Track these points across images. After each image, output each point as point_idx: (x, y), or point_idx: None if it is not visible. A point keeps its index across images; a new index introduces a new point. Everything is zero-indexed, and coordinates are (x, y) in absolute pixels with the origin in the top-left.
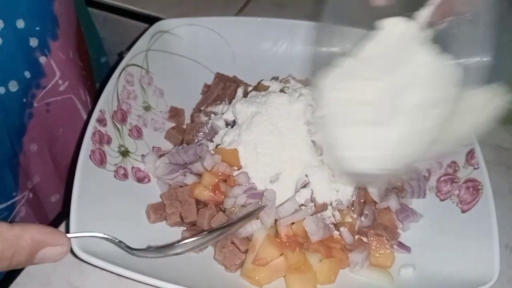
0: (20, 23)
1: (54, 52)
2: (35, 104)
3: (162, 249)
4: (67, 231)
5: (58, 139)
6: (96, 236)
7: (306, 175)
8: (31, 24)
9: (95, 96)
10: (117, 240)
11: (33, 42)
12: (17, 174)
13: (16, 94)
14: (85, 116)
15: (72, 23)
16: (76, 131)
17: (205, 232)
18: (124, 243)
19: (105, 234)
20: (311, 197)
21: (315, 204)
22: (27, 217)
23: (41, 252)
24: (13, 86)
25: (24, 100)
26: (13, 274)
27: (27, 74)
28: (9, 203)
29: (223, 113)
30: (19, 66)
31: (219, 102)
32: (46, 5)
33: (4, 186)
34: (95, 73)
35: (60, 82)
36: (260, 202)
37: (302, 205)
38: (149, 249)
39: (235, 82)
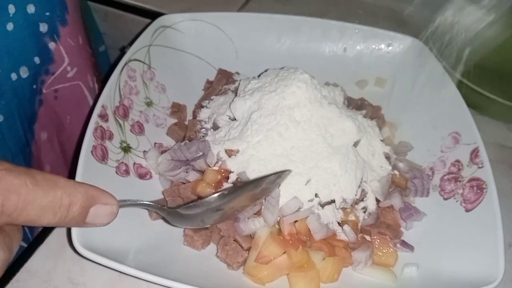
0: (31, 8)
1: (63, 38)
2: (44, 91)
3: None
4: (68, 227)
5: (65, 127)
6: (142, 203)
7: (309, 173)
8: (41, 9)
9: (100, 87)
10: (159, 206)
11: (43, 27)
12: (30, 164)
13: (27, 80)
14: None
15: (78, 10)
16: (83, 119)
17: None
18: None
19: (148, 201)
20: (314, 195)
21: (318, 203)
22: None
23: (93, 209)
24: (24, 72)
25: (34, 86)
26: (13, 270)
27: (37, 59)
28: None
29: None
30: (29, 51)
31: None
32: None
33: None
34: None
35: (68, 68)
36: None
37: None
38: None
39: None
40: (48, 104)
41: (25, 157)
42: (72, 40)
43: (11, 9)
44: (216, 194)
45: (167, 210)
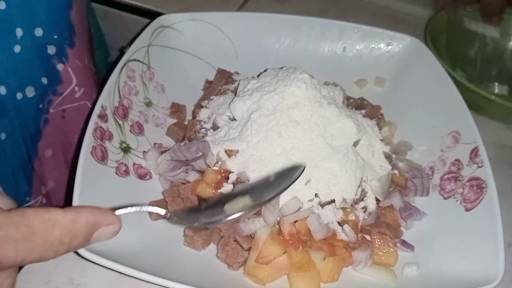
0: (39, 31)
1: (71, 59)
2: (51, 110)
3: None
4: None
5: (72, 145)
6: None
7: (309, 173)
8: (49, 33)
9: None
10: (164, 213)
11: (51, 49)
12: (31, 179)
13: (32, 100)
14: None
15: (85, 29)
16: None
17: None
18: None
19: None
20: (314, 195)
21: (318, 203)
22: None
23: (96, 234)
24: (30, 92)
25: (40, 106)
26: None
27: (44, 80)
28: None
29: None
30: (36, 72)
31: (220, 97)
32: (63, 14)
33: (18, 191)
34: (102, 73)
35: (76, 89)
36: None
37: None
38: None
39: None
40: (56, 123)
41: (25, 173)
42: (79, 61)
43: (19, 32)
44: (238, 214)
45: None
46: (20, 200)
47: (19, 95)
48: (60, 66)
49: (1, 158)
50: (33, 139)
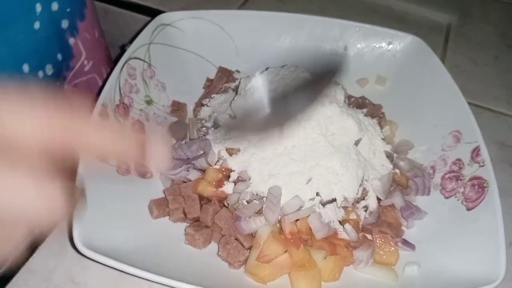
0: (55, 6)
1: (81, 32)
2: (65, 87)
3: None
4: (70, 224)
5: None
6: None
7: (311, 172)
8: (63, 6)
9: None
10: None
11: (64, 24)
12: None
13: (51, 78)
14: None
15: (93, 4)
16: None
17: None
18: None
19: None
20: (315, 194)
21: (320, 201)
22: None
23: None
24: (49, 70)
25: (58, 83)
26: (14, 269)
27: (60, 56)
28: None
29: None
30: (53, 48)
31: (221, 96)
32: None
33: None
34: None
35: (85, 62)
36: (264, 199)
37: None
38: None
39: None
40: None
41: None
42: (89, 34)
43: (38, 7)
44: None
45: None
46: None
47: (40, 73)
48: (71, 41)
49: None
50: None
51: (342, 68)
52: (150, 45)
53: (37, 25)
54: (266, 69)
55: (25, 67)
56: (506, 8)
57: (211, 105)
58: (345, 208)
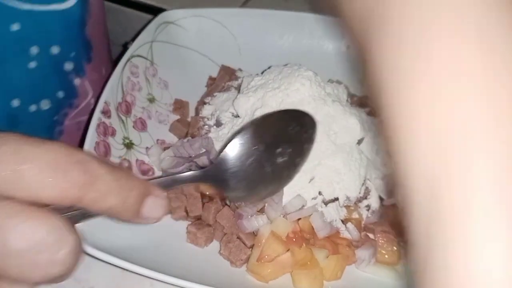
0: (55, 50)
1: (88, 73)
2: (66, 122)
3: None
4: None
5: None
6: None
7: (313, 171)
8: (66, 50)
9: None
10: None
11: (68, 65)
12: None
13: (47, 112)
14: None
15: (103, 38)
16: None
17: None
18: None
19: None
20: (318, 193)
21: (322, 200)
22: None
23: (148, 199)
24: (45, 105)
25: (55, 118)
26: None
27: (61, 94)
28: None
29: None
30: (52, 86)
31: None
32: (79, 32)
33: None
34: None
35: (92, 101)
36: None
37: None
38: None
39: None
40: (71, 134)
41: None
42: (96, 73)
43: (35, 50)
44: None
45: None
46: None
47: (32, 108)
48: (77, 81)
49: None
50: None
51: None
52: (153, 43)
53: (32, 65)
54: (269, 67)
55: (15, 102)
56: None
57: (213, 104)
58: (347, 207)
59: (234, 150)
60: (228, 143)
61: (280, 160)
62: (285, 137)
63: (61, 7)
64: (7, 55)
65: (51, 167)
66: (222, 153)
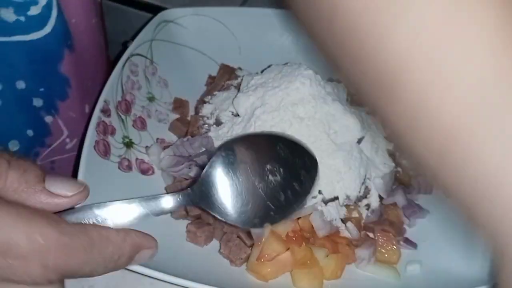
0: (21, 84)
1: (62, 111)
2: (38, 162)
3: None
4: None
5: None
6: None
7: None
8: (34, 85)
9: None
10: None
11: (37, 102)
12: None
13: (16, 153)
14: None
15: (99, 71)
16: None
17: None
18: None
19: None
20: (318, 192)
21: (322, 199)
22: None
23: (137, 255)
24: (14, 146)
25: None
26: None
27: (30, 132)
28: None
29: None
30: (20, 125)
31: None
32: (50, 68)
33: None
34: None
35: (67, 140)
36: None
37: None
38: None
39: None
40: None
41: None
42: (73, 112)
43: None
44: None
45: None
46: None
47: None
48: (48, 119)
49: None
50: None
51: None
52: (153, 42)
53: None
54: (269, 66)
55: None
56: None
57: (213, 103)
58: (347, 206)
59: (218, 166)
60: (211, 158)
61: (271, 178)
62: (275, 156)
63: (26, 38)
64: None
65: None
66: (204, 171)
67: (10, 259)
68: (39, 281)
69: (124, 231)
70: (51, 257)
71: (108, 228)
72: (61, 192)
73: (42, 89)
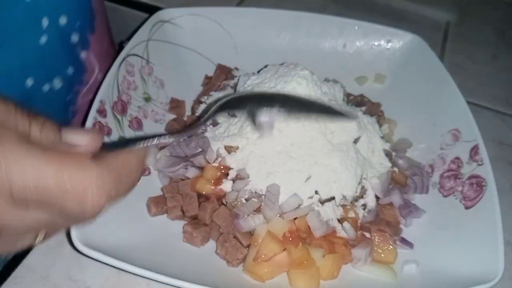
0: (63, 20)
1: (93, 45)
2: (78, 102)
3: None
4: None
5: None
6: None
7: (310, 170)
8: (72, 20)
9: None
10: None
11: (74, 37)
12: None
13: (60, 91)
14: None
15: (103, 10)
16: None
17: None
18: None
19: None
20: (314, 192)
21: (318, 200)
22: None
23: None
24: (58, 83)
25: (68, 97)
26: (11, 267)
27: (70, 70)
28: None
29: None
30: (62, 62)
31: (220, 93)
32: (83, 1)
33: None
34: None
35: (99, 76)
36: (262, 197)
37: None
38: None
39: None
40: (83, 114)
41: None
42: (100, 46)
43: (45, 22)
44: None
45: None
46: None
47: (46, 87)
48: (83, 54)
49: None
50: None
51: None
52: (149, 42)
53: (43, 39)
54: (265, 66)
55: (29, 81)
56: (504, 7)
57: (209, 103)
58: (343, 206)
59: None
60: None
61: None
62: None
63: None
64: (20, 27)
65: None
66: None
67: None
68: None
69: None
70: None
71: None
72: (77, 141)
73: (78, 23)
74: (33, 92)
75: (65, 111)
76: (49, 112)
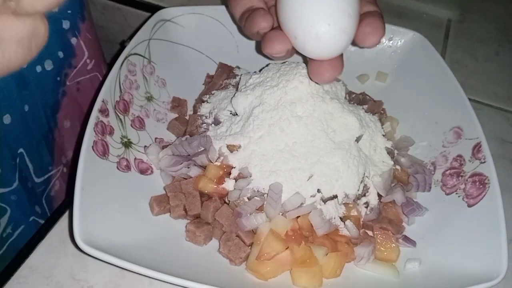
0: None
1: (82, 33)
2: (67, 83)
3: None
4: (70, 221)
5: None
6: None
7: (312, 169)
8: (64, 8)
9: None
10: None
11: (66, 24)
12: (52, 149)
13: (50, 73)
14: None
15: (89, 10)
16: None
17: None
18: None
19: None
20: (317, 190)
21: (321, 198)
22: (60, 190)
23: None
24: (49, 65)
25: (58, 78)
26: (14, 266)
27: (61, 54)
28: (46, 177)
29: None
30: (53, 46)
31: (221, 92)
32: None
33: (41, 161)
34: None
35: (88, 61)
36: (265, 196)
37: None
38: None
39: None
40: (72, 95)
41: (47, 143)
42: (89, 34)
43: None
44: None
45: None
46: (44, 169)
47: (38, 68)
48: (73, 40)
49: (26, 129)
50: (52, 110)
51: None
52: (150, 41)
53: None
54: (267, 65)
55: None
56: (506, 4)
57: (211, 102)
58: (346, 204)
59: None
60: None
61: None
62: None
63: None
64: None
65: None
66: None
67: None
68: None
69: None
70: None
71: None
72: None
73: (69, 11)
74: (27, 72)
75: (55, 91)
76: (40, 92)
